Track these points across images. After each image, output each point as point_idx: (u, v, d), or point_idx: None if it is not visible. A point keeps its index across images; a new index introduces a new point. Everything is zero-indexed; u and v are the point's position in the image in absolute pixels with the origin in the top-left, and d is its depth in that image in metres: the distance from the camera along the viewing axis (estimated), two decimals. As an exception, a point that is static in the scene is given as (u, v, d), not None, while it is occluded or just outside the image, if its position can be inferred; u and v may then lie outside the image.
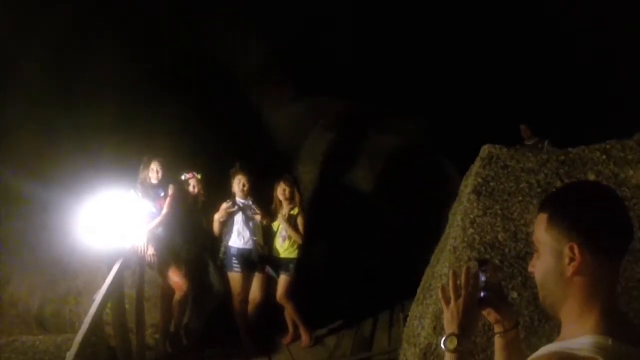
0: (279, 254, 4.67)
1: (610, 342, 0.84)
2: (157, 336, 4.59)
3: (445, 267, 2.46)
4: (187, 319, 4.64)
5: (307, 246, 4.75)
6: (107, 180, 4.18)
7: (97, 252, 4.07)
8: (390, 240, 5.71)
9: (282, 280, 4.64)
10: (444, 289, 1.20)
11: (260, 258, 4.61)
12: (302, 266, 4.71)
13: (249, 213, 4.60)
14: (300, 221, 4.65)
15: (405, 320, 3.74)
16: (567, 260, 0.92)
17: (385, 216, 5.88)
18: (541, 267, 0.98)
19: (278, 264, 4.69)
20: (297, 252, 4.66)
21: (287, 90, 6.10)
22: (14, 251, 4.61)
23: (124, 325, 4.01)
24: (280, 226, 4.66)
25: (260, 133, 6.08)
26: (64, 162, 4.75)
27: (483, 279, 1.18)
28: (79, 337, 2.86)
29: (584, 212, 0.93)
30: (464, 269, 1.18)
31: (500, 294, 1.21)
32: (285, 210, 4.65)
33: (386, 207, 5.91)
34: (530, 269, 1.04)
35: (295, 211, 4.67)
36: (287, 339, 4.78)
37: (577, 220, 0.92)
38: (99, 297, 3.38)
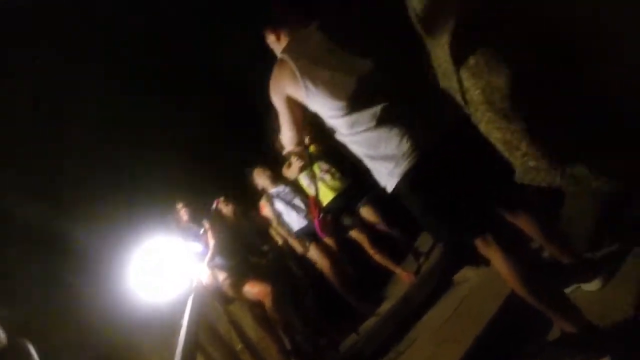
0: (332, 195, 4.12)
1: None
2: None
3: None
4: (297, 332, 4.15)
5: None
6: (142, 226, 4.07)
7: (165, 303, 3.84)
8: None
9: (365, 212, 4.18)
10: None
11: None
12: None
13: (284, 197, 4.34)
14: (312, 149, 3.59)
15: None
16: None
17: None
18: None
19: (345, 204, 4.17)
20: (343, 179, 4.14)
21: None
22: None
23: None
24: (303, 181, 4.24)
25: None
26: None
27: None
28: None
29: None
30: None
31: None
32: (295, 166, 4.15)
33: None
34: None
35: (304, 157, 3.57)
36: (404, 275, 3.94)
37: None
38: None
